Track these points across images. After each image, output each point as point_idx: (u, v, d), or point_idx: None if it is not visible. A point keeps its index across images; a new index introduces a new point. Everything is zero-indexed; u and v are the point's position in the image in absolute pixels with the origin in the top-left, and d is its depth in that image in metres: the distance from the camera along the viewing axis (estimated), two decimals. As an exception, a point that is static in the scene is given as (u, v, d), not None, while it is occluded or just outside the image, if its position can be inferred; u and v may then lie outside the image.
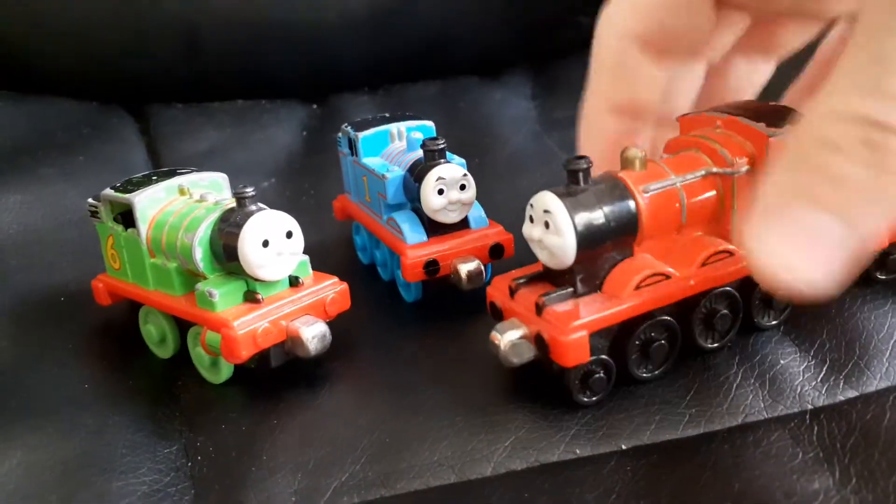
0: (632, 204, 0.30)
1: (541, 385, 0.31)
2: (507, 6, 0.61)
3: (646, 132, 0.34)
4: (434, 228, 0.37)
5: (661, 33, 0.32)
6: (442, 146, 0.36)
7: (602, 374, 0.30)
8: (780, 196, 0.23)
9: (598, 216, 0.29)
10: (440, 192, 0.36)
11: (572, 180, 0.30)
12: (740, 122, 0.31)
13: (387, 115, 0.42)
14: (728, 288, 0.31)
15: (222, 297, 0.31)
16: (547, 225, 0.29)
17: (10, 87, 0.54)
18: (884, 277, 0.35)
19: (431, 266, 0.36)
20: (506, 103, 0.58)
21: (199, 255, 0.32)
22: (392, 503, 0.27)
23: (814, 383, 0.30)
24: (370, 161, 0.40)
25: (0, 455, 0.30)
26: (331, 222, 0.44)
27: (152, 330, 0.35)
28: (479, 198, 0.37)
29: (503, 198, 0.45)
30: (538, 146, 0.52)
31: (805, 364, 0.31)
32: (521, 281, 0.31)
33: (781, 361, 0.31)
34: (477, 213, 0.38)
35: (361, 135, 0.40)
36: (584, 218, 0.29)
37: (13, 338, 0.36)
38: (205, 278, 0.32)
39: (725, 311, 0.32)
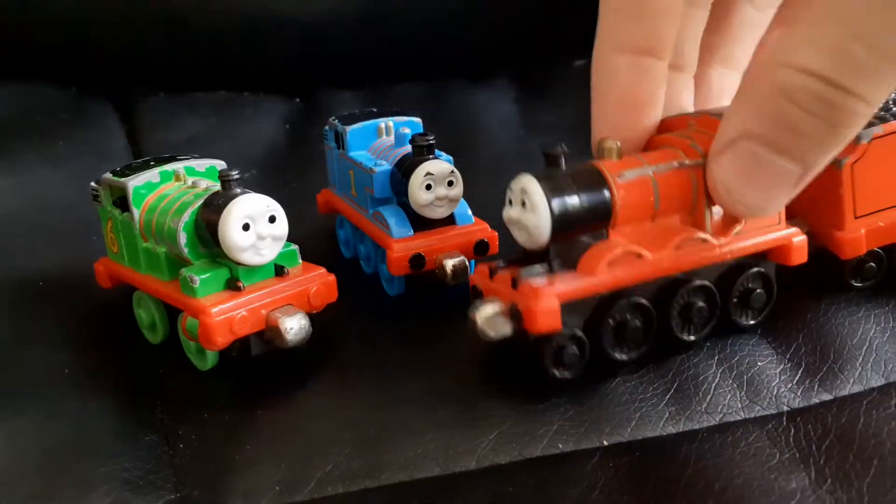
0: (606, 189, 0.30)
1: (524, 380, 0.31)
2: (494, 10, 0.61)
3: (661, 72, 0.32)
4: (420, 223, 0.37)
5: None
6: (431, 142, 0.37)
7: (575, 350, 0.30)
8: (736, 132, 0.25)
9: (572, 196, 0.30)
10: (428, 187, 0.36)
11: (550, 164, 0.30)
12: (711, 119, 0.32)
13: (374, 109, 0.42)
14: (705, 282, 0.32)
15: (203, 283, 0.31)
16: (524, 204, 0.30)
17: (-12, 68, 0.54)
18: (859, 285, 0.36)
19: (417, 260, 0.36)
20: (490, 105, 0.58)
21: (184, 239, 0.32)
22: (376, 494, 0.27)
23: (790, 385, 0.31)
24: (357, 155, 0.40)
25: (-21, 439, 0.29)
26: (313, 216, 0.44)
27: (143, 315, 0.35)
28: (462, 196, 0.37)
29: (486, 197, 0.45)
30: (521, 148, 0.53)
31: (781, 367, 0.32)
32: (501, 264, 0.32)
33: (759, 363, 0.32)
34: (462, 210, 0.38)
35: (349, 128, 0.40)
36: (558, 196, 0.29)
37: (-7, 321, 0.36)
38: (190, 264, 0.32)
39: (702, 304, 0.32)
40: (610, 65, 0.32)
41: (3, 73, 0.54)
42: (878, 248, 0.35)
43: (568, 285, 0.29)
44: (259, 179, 0.49)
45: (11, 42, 0.55)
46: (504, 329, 0.30)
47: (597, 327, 0.31)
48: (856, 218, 0.35)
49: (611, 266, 0.30)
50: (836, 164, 0.34)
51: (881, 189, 0.35)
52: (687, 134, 0.32)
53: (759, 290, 0.33)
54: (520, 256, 0.32)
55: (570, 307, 0.30)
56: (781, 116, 0.25)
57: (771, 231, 0.33)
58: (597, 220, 0.30)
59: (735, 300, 0.33)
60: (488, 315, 0.30)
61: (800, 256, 0.34)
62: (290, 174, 0.50)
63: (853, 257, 0.35)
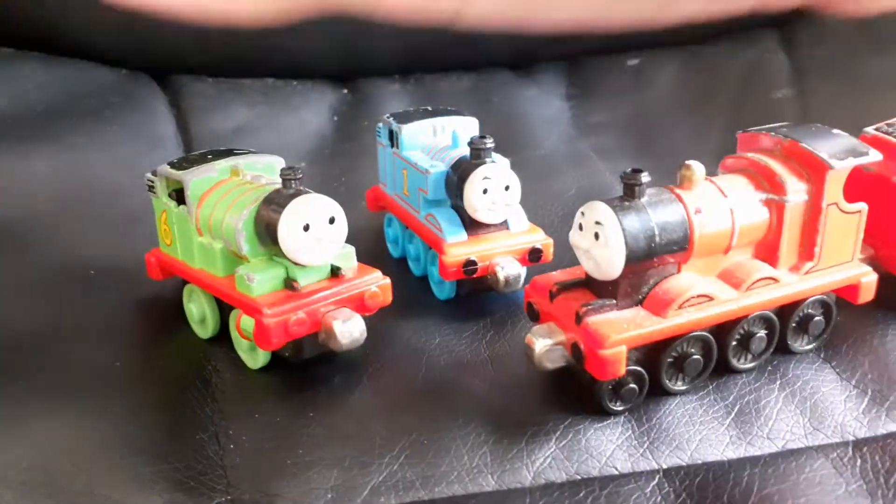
0: (684, 223, 0.29)
1: (580, 395, 0.30)
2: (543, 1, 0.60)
3: None
4: (473, 227, 0.37)
5: None
6: (489, 145, 0.36)
7: (633, 385, 0.30)
8: None
9: (649, 232, 0.28)
10: (485, 191, 0.35)
11: (628, 193, 0.29)
12: (802, 148, 0.31)
13: (429, 108, 0.42)
14: (767, 312, 0.31)
15: (260, 282, 0.31)
16: (597, 236, 0.29)
17: (40, 48, 0.53)
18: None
19: (470, 265, 0.36)
20: (539, 102, 0.57)
21: (243, 237, 0.32)
22: (430, 507, 0.27)
23: (855, 414, 0.30)
24: (412, 154, 0.39)
25: (31, 433, 0.29)
26: (361, 211, 0.44)
27: (193, 309, 0.35)
28: (517, 200, 0.37)
29: (536, 199, 0.45)
30: (572, 149, 0.52)
31: (847, 394, 0.31)
32: (562, 286, 0.31)
33: (823, 389, 0.31)
34: (517, 215, 0.37)
35: (404, 127, 0.39)
36: (635, 233, 0.28)
37: (42, 311, 0.35)
38: (247, 261, 0.32)
39: (762, 334, 0.31)
40: None
41: (53, 51, 0.54)
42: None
43: (636, 330, 0.28)
44: (307, 172, 0.48)
45: (63, 21, 0.54)
46: (561, 361, 0.29)
47: (656, 360, 0.30)
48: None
49: (681, 309, 0.29)
50: None
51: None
52: (773, 160, 0.31)
53: (818, 317, 0.32)
54: (582, 280, 0.31)
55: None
56: None
57: (842, 270, 0.32)
58: (671, 254, 0.29)
59: (793, 325, 0.32)
60: (547, 347, 0.29)
61: (867, 295, 0.33)
62: (338, 167, 0.49)
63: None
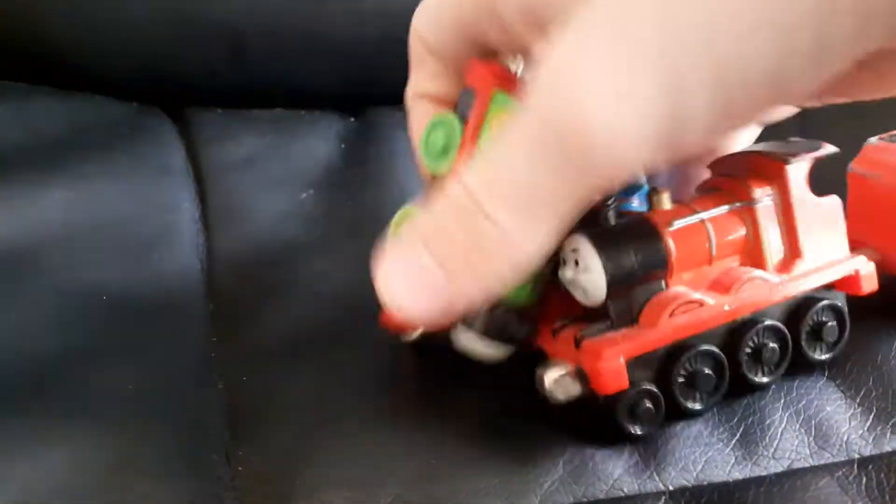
0: (658, 239, 0.30)
1: (588, 421, 0.31)
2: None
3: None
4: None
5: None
6: None
7: (649, 405, 0.30)
8: (408, 232, 0.25)
9: (624, 248, 0.30)
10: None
11: (596, 218, 0.30)
12: (759, 156, 0.32)
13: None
14: (775, 322, 0.32)
15: None
16: (577, 262, 0.30)
17: (52, 82, 0.54)
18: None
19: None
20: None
21: None
22: (438, 529, 0.27)
23: (861, 432, 0.30)
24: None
25: (43, 455, 0.30)
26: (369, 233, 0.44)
27: (439, 137, 0.31)
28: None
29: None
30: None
31: (851, 412, 0.31)
32: (562, 323, 0.32)
33: (827, 408, 0.31)
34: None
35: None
36: (610, 252, 0.29)
37: (57, 336, 0.36)
38: None
39: (773, 345, 0.32)
40: (411, 105, 0.33)
41: (64, 85, 0.55)
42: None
43: (631, 341, 0.29)
44: (314, 200, 0.49)
45: (74, 55, 0.56)
46: (573, 390, 0.30)
47: (667, 379, 0.30)
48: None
49: (672, 317, 0.30)
50: None
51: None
52: (734, 174, 0.33)
53: (830, 323, 0.33)
54: (580, 315, 0.31)
55: (637, 362, 0.29)
56: (439, 219, 0.24)
57: (836, 264, 0.33)
58: (652, 271, 0.30)
59: (806, 335, 0.33)
60: (556, 377, 0.30)
61: (870, 284, 0.33)
62: (344, 193, 0.50)
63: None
